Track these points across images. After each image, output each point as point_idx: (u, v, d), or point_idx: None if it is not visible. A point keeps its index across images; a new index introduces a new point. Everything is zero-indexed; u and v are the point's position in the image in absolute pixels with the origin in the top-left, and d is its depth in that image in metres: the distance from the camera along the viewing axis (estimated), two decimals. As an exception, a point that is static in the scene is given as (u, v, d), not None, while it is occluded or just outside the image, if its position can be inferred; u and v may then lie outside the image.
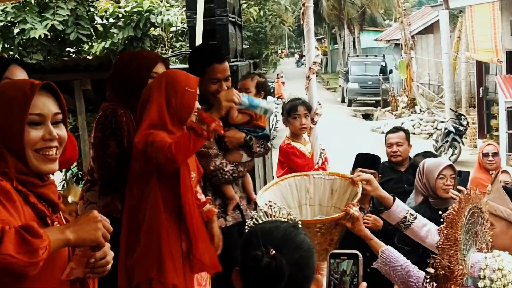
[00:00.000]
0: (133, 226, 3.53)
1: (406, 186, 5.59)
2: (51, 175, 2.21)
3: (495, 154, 6.89)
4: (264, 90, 4.82)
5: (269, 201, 2.12)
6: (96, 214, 2.05)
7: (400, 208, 3.89)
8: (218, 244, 3.95)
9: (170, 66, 7.41)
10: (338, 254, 2.01)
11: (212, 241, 3.88)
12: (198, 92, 3.57)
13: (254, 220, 1.98)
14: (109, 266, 2.16)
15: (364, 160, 5.41)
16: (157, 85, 3.55)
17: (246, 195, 4.75)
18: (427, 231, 3.86)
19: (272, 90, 30.30)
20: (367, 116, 29.64)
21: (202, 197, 3.90)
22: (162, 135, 3.41)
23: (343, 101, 34.86)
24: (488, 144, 7.27)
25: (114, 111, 3.71)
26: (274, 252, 1.83)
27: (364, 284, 1.98)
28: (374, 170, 5.29)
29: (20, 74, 2.67)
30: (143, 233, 3.50)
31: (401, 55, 29.37)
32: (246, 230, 1.99)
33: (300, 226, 1.98)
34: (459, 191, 4.23)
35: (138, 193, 3.51)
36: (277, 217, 2.00)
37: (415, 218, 3.87)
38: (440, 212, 4.70)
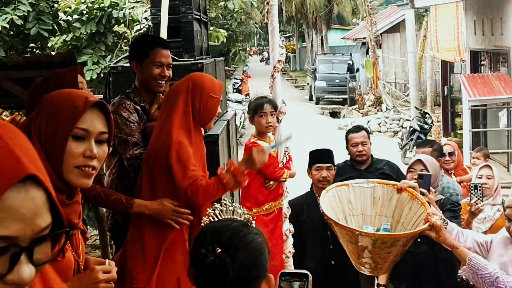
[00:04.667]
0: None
1: (365, 184, 5.65)
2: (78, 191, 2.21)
3: (451, 153, 6.97)
4: None
5: (224, 199, 2.14)
6: (98, 275, 2.07)
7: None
8: None
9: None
10: (289, 273, 2.02)
11: None
12: (220, 97, 3.67)
13: (210, 218, 1.99)
14: None
15: (318, 156, 5.47)
16: (184, 88, 3.62)
17: None
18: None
19: (239, 88, 30.30)
20: (334, 114, 29.82)
21: None
22: (189, 155, 3.49)
23: (310, 99, 35.01)
24: (445, 144, 7.36)
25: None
26: (219, 250, 1.84)
27: None
28: (329, 164, 5.35)
29: None
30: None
31: (368, 54, 29.57)
32: (202, 225, 2.00)
33: (252, 225, 1.99)
34: (422, 194, 4.27)
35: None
36: (232, 215, 2.00)
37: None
38: None
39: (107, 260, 2.30)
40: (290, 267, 5.45)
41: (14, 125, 2.67)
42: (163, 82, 4.24)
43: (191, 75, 3.80)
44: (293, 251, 5.59)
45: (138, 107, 4.23)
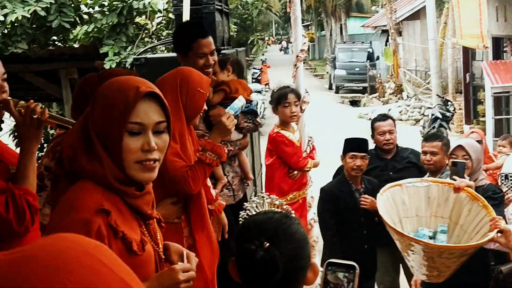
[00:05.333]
0: None
1: (391, 173, 5.61)
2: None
3: (479, 142, 6.88)
4: (239, 68, 4.88)
5: (261, 192, 2.12)
6: (178, 276, 2.03)
7: None
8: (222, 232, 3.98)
9: (158, 55, 7.38)
10: (335, 263, 2.00)
11: (219, 231, 3.93)
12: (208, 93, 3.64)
13: (247, 211, 1.98)
14: None
15: (354, 145, 5.44)
16: (173, 82, 3.57)
17: (241, 175, 4.80)
18: None
19: (258, 78, 30.26)
20: (354, 103, 29.68)
21: (213, 191, 3.91)
22: (176, 150, 3.45)
23: (330, 87, 34.88)
24: (472, 132, 7.29)
25: None
26: (267, 244, 1.83)
27: None
28: (364, 153, 5.33)
29: None
30: None
31: (388, 42, 29.37)
32: (240, 222, 1.98)
33: (293, 216, 1.98)
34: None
35: None
36: (270, 208, 1.99)
37: None
38: None
39: (184, 250, 2.23)
40: (315, 256, 5.47)
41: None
42: (210, 69, 4.32)
43: (179, 69, 3.75)
44: (318, 240, 5.59)
45: None
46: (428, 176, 5.21)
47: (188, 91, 3.53)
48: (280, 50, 70.30)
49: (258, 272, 1.84)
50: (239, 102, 3.85)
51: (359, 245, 5.32)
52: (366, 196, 5.26)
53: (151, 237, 2.11)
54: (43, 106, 2.67)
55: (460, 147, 4.88)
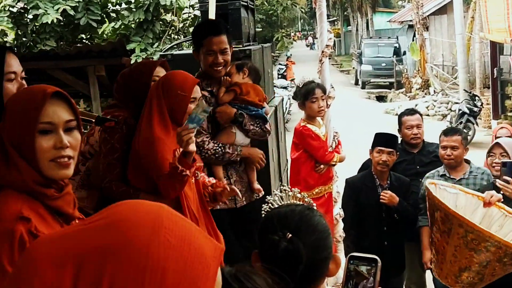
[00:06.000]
0: None
1: (418, 167, 5.61)
2: (67, 181, 2.20)
3: (510, 137, 6.81)
4: (256, 74, 4.80)
5: (283, 185, 2.14)
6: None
7: None
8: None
9: (184, 51, 7.43)
10: (357, 257, 2.02)
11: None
12: (194, 95, 3.56)
13: (269, 204, 2.00)
14: None
15: (383, 139, 5.45)
16: (155, 87, 3.60)
17: (245, 181, 4.68)
18: None
19: (284, 73, 30.21)
20: (380, 98, 29.53)
21: (210, 179, 3.92)
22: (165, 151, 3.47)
23: (356, 83, 34.72)
24: (502, 128, 7.22)
25: (125, 121, 3.67)
26: (290, 236, 1.86)
27: None
28: (392, 149, 5.33)
29: (14, 61, 2.66)
30: None
31: (414, 37, 29.16)
32: (263, 215, 2.01)
33: (315, 208, 2.01)
34: (507, 182, 4.20)
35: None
36: (292, 201, 2.02)
37: None
38: None
39: None
40: (341, 251, 5.48)
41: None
42: (220, 68, 4.35)
43: (165, 75, 3.75)
44: (344, 235, 5.60)
45: (205, 93, 4.37)
46: (444, 172, 5.20)
47: (170, 95, 3.51)
48: (307, 45, 70.10)
49: (282, 263, 1.86)
50: (199, 114, 3.42)
51: (379, 241, 5.33)
52: (386, 191, 5.27)
53: None
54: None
55: (497, 145, 4.85)
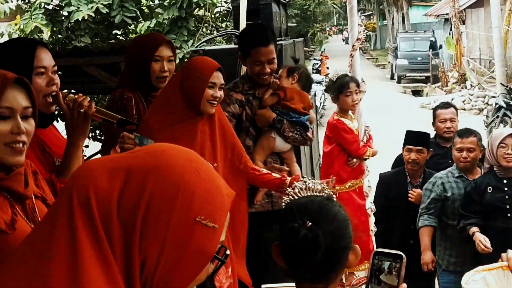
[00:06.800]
0: None
1: (450, 161, 5.55)
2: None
3: None
4: (307, 81, 4.75)
5: (303, 177, 2.16)
6: None
7: None
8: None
9: (216, 46, 7.46)
10: (382, 253, 2.02)
11: None
12: (213, 80, 3.53)
13: (290, 196, 2.03)
14: None
15: (412, 138, 5.43)
16: (178, 72, 3.65)
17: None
18: None
19: (319, 68, 30.14)
20: (416, 93, 29.28)
21: (275, 175, 3.90)
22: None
23: (392, 77, 34.46)
24: None
25: (121, 95, 3.73)
26: (310, 224, 1.87)
27: (404, 285, 1.98)
28: (422, 147, 5.30)
29: (46, 56, 2.70)
30: None
31: (450, 30, 28.83)
32: (283, 206, 2.04)
33: (334, 199, 2.02)
34: None
35: None
36: (312, 192, 2.04)
37: None
38: (504, 181, 4.78)
39: None
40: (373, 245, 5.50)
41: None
42: (266, 76, 4.32)
43: (188, 59, 3.79)
44: (375, 229, 5.59)
45: (239, 96, 4.37)
46: (461, 173, 5.10)
47: (189, 77, 3.53)
48: (343, 40, 69.76)
49: (301, 251, 1.88)
50: (149, 141, 3.35)
51: (405, 239, 5.30)
52: (415, 189, 5.24)
53: (28, 216, 2.14)
54: (90, 100, 2.70)
55: (511, 136, 4.77)
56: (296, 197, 2.01)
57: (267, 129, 4.44)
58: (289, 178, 3.78)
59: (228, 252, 1.35)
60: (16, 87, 2.09)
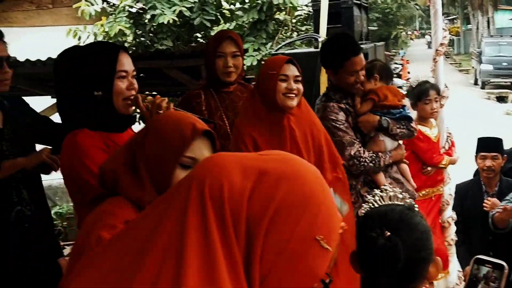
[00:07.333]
0: None
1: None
2: None
3: None
4: (387, 74, 4.68)
5: (384, 185, 2.11)
6: None
7: None
8: None
9: (296, 50, 7.44)
10: (483, 261, 1.95)
11: None
12: (284, 72, 3.49)
13: (370, 204, 1.98)
14: None
15: (485, 144, 5.28)
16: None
17: (401, 182, 4.56)
18: None
19: (400, 73, 29.73)
20: (501, 99, 28.45)
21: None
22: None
23: (475, 83, 33.62)
24: None
25: (189, 93, 3.99)
26: (389, 233, 1.83)
27: None
28: (495, 153, 5.14)
29: (127, 60, 2.74)
30: None
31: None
32: (362, 214, 1.99)
33: (416, 209, 1.96)
34: None
35: None
36: (393, 201, 1.99)
37: None
38: None
39: None
40: (452, 254, 5.35)
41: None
42: (359, 84, 4.26)
43: None
44: (456, 239, 5.45)
45: (342, 105, 4.28)
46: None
47: (262, 75, 3.57)
48: (426, 44, 68.64)
49: (379, 260, 1.84)
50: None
51: (483, 251, 5.11)
52: (490, 198, 5.05)
53: None
54: (168, 101, 2.73)
55: None
56: (376, 205, 1.97)
57: (373, 134, 4.36)
58: None
59: (331, 280, 1.31)
60: (202, 137, 2.11)
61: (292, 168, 1.28)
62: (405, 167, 4.59)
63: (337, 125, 4.11)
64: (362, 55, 4.27)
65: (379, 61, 4.88)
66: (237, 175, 1.23)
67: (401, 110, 4.41)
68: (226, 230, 1.19)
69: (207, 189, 1.22)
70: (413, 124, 4.48)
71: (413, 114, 5.58)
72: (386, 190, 1.99)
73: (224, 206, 1.20)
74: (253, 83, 3.82)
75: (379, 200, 1.98)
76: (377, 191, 2.00)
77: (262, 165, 1.26)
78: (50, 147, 3.47)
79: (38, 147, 3.64)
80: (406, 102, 4.64)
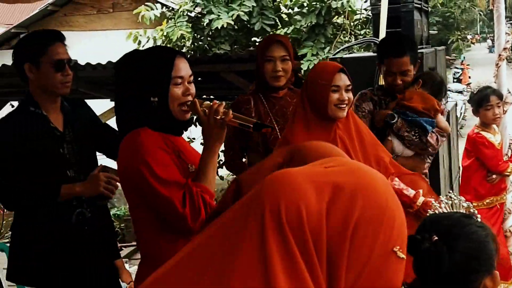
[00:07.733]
0: None
1: None
2: None
3: None
4: (434, 83, 4.48)
5: (449, 192, 2.08)
6: None
7: None
8: None
9: (354, 54, 7.38)
10: None
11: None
12: (336, 83, 3.42)
13: (435, 211, 1.97)
14: None
15: None
16: (304, 81, 3.66)
17: None
18: None
19: (460, 77, 29.23)
20: None
21: (410, 191, 3.52)
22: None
23: (539, 88, 32.86)
24: None
25: (238, 98, 4.06)
26: (436, 238, 1.81)
27: None
28: None
29: (183, 66, 2.73)
30: None
31: None
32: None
33: (476, 218, 1.92)
34: None
35: None
36: (457, 209, 1.96)
37: None
38: None
39: None
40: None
41: None
42: (397, 87, 4.22)
43: None
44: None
45: (375, 97, 4.33)
46: None
47: (311, 84, 3.49)
48: (487, 48, 67.37)
49: (424, 264, 1.82)
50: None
51: None
52: None
53: None
54: (226, 107, 2.72)
55: None
56: (439, 211, 1.95)
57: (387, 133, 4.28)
58: (422, 198, 3.46)
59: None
60: None
61: (364, 179, 1.22)
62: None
63: (356, 111, 4.04)
64: (406, 60, 4.16)
65: (435, 72, 4.76)
66: (312, 195, 1.17)
67: (416, 116, 4.19)
68: (309, 257, 1.13)
69: (284, 215, 1.14)
70: (429, 138, 4.23)
71: (475, 120, 5.49)
72: (451, 197, 1.97)
73: (305, 232, 1.14)
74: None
75: (445, 207, 1.95)
76: (443, 198, 1.97)
77: (334, 180, 1.20)
78: (107, 170, 3.49)
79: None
80: (441, 120, 4.42)
